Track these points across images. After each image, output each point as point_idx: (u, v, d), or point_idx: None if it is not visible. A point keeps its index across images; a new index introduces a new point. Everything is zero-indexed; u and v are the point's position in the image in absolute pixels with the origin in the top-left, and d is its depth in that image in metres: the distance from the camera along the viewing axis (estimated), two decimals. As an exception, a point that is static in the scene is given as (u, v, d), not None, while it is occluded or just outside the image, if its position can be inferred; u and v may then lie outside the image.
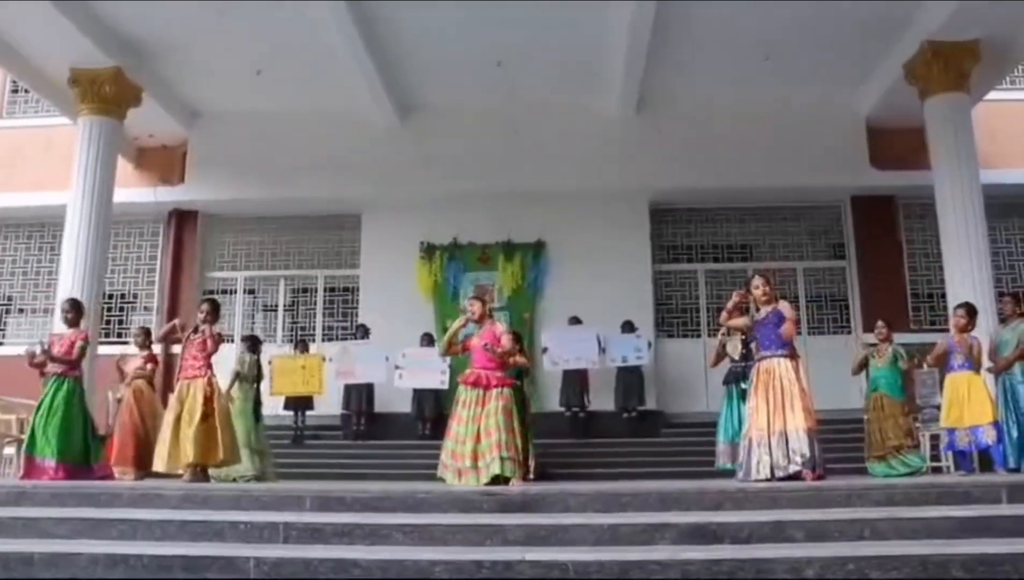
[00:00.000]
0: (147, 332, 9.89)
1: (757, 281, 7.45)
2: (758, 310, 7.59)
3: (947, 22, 10.37)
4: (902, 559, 4.03)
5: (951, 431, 8.01)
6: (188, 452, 7.59)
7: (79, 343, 8.32)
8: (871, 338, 12.49)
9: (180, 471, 7.68)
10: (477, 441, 7.07)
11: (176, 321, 8.48)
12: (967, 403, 7.89)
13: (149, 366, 9.54)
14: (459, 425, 7.23)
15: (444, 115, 13.28)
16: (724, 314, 7.76)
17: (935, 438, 9.08)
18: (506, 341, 7.31)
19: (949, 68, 10.76)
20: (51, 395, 8.06)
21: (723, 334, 9.05)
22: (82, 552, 4.31)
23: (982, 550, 4.11)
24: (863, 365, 9.29)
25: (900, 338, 9.29)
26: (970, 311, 8.31)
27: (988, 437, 7.73)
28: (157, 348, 9.94)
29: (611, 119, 13.11)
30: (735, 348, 8.85)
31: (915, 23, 10.75)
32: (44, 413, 8.00)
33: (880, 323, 9.29)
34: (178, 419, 7.72)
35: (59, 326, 9.17)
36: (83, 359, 8.42)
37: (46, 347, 8.19)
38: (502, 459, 6.95)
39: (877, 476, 8.48)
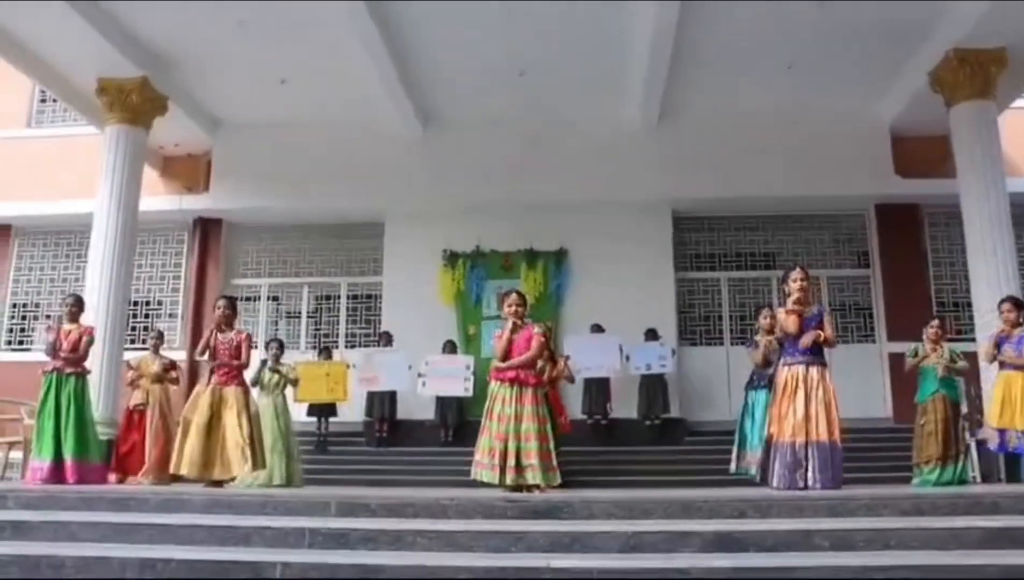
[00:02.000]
0: (161, 336, 10.02)
1: (797, 273, 7.00)
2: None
3: (973, 29, 10.30)
4: (929, 569, 4.00)
5: (1002, 432, 7.88)
6: (231, 464, 7.66)
7: (86, 338, 8.37)
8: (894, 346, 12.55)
9: (217, 478, 7.70)
10: (518, 440, 6.89)
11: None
12: (1019, 403, 7.76)
13: (174, 373, 9.67)
14: (499, 423, 6.94)
15: (466, 124, 13.33)
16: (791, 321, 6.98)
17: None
18: (535, 345, 7.18)
19: (975, 75, 10.68)
20: (62, 393, 8.10)
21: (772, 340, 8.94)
22: (112, 556, 4.36)
23: (1010, 561, 4.08)
24: (917, 364, 8.98)
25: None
26: (1017, 304, 8.21)
27: None
28: (181, 354, 10.06)
29: (633, 128, 13.11)
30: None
31: (941, 30, 10.68)
32: (52, 413, 8.03)
33: (935, 322, 9.12)
34: (209, 424, 7.73)
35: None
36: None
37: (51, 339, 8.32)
38: (544, 468, 6.86)
39: (928, 483, 8.38)
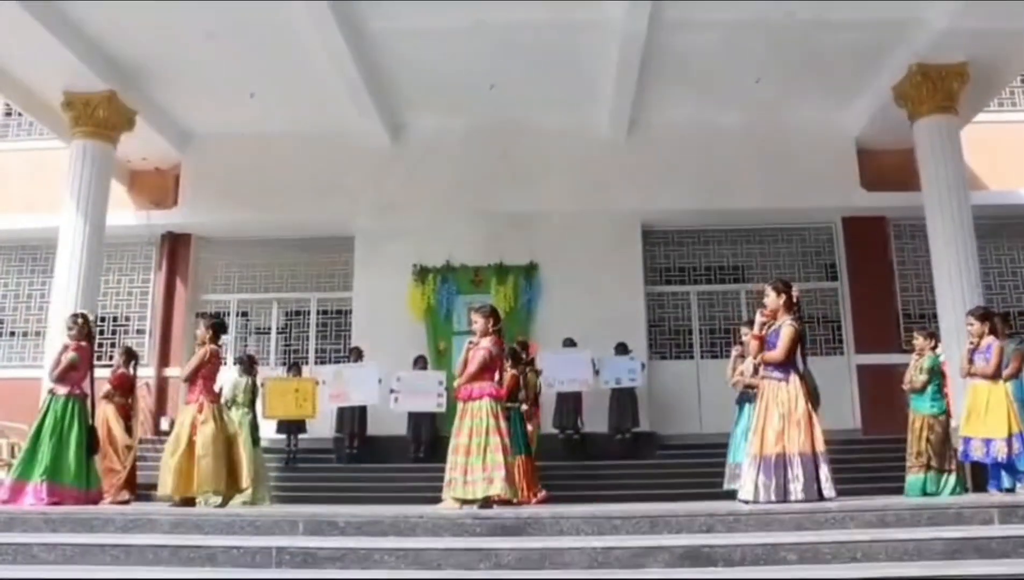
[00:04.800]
0: (128, 352, 9.75)
1: (767, 290, 7.09)
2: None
3: (935, 45, 10.51)
4: (894, 582, 4.03)
5: (967, 440, 7.92)
6: (166, 482, 7.49)
7: (67, 356, 8.07)
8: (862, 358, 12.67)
9: (193, 494, 7.58)
10: (467, 455, 6.98)
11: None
12: (984, 413, 7.80)
13: (108, 387, 9.30)
14: (454, 438, 7.15)
15: (437, 137, 13.34)
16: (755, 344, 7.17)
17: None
18: (471, 366, 7.17)
19: (937, 90, 10.89)
20: (44, 416, 7.88)
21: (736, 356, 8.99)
22: (75, 578, 4.30)
23: (974, 571, 4.12)
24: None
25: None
26: (981, 316, 8.14)
27: (999, 452, 7.66)
28: (149, 370, 9.84)
29: (603, 141, 13.20)
30: (748, 367, 8.54)
31: (904, 46, 10.86)
32: (35, 435, 7.83)
33: (914, 333, 9.05)
34: (188, 441, 7.60)
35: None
36: (70, 373, 8.01)
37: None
38: (487, 480, 6.88)
39: (912, 493, 8.41)
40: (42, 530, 5.56)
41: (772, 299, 7.05)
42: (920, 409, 8.66)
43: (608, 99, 12.22)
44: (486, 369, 7.21)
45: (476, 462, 6.92)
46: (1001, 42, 10.42)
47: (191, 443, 7.60)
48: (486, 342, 7.25)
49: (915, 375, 8.68)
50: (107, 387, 9.29)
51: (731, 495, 8.18)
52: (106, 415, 9.11)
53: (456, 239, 13.24)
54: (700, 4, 10.10)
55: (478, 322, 7.37)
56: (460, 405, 7.23)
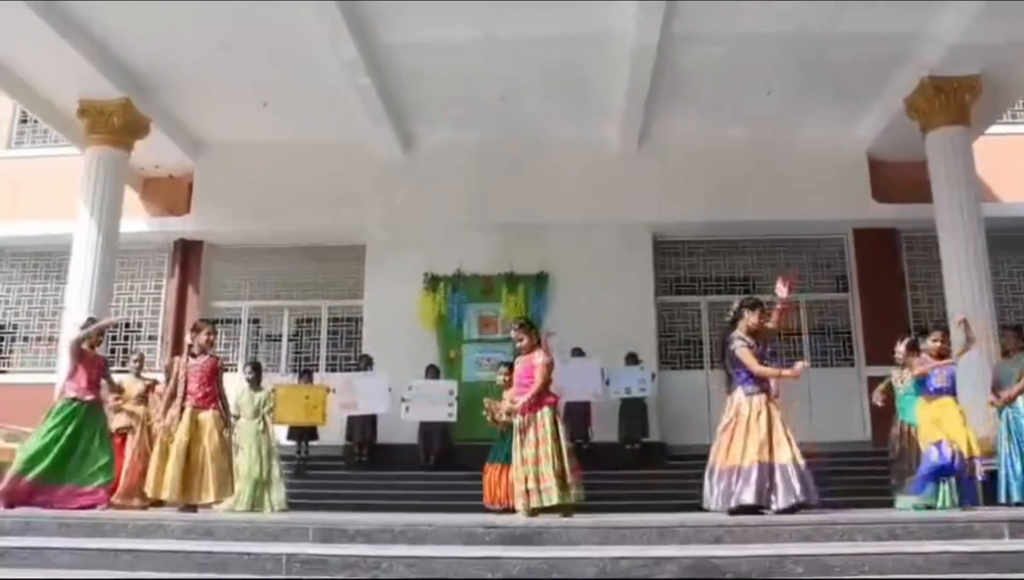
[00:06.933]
0: (144, 359, 9.92)
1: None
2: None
3: (947, 57, 10.51)
4: (902, 594, 4.03)
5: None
6: (210, 489, 7.60)
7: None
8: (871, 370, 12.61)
9: (195, 503, 7.63)
10: (526, 466, 7.14)
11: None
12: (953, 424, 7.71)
13: (158, 389, 9.51)
14: (515, 453, 7.34)
15: (448, 147, 13.38)
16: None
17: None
18: (539, 380, 7.29)
19: (950, 102, 10.89)
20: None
21: None
22: (87, 581, 4.34)
23: (982, 585, 4.12)
24: (886, 391, 8.92)
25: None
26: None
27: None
28: (161, 376, 9.91)
29: (614, 152, 13.23)
30: None
31: (915, 58, 10.87)
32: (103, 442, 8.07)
33: (896, 346, 9.05)
34: (187, 447, 7.68)
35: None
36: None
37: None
38: (561, 488, 7.01)
39: (904, 509, 8.36)
40: (56, 534, 5.60)
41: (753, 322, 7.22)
42: (906, 418, 8.62)
43: (619, 111, 12.25)
44: (548, 381, 7.34)
45: (547, 470, 7.03)
46: (1014, 55, 10.42)
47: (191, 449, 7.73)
48: (540, 356, 7.35)
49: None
50: (142, 390, 9.55)
51: (741, 508, 8.21)
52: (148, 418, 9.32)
53: (467, 248, 13.26)
54: (711, 18, 10.13)
55: (523, 339, 7.51)
56: (522, 418, 7.30)
